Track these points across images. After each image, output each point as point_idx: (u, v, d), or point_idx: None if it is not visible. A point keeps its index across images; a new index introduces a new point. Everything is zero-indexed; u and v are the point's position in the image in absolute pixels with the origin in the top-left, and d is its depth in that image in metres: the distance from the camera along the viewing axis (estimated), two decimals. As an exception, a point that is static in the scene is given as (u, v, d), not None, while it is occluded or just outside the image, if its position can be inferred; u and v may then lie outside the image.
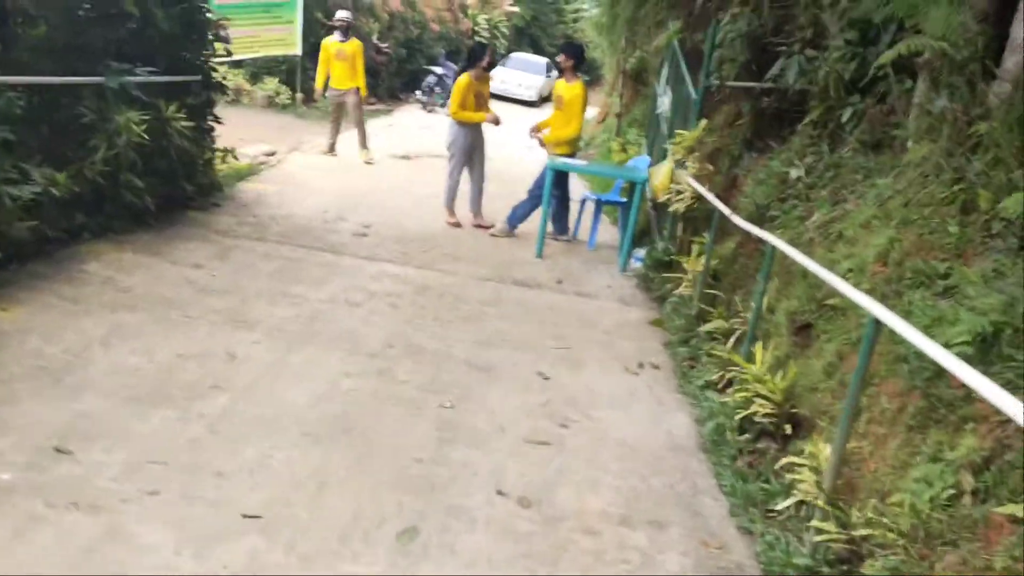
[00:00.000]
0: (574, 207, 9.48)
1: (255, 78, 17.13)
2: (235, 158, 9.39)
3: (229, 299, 5.75)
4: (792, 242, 5.44)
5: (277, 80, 17.22)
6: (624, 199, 9.31)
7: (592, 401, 5.07)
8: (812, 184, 5.91)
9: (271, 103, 17.03)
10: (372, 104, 21.41)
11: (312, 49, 18.44)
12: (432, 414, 4.56)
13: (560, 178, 8.81)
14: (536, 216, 8.55)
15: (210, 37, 8.33)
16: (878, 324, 3.29)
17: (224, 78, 16.07)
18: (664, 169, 8.15)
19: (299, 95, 17.60)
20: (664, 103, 9.86)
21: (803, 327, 4.65)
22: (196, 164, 8.04)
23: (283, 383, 4.64)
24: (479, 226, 9.31)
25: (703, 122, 7.30)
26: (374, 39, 21.88)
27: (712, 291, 6.27)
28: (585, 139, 18.21)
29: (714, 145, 7.75)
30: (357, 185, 10.56)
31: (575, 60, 8.72)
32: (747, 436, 4.44)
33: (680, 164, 7.52)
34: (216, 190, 8.70)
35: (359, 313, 5.91)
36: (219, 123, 8.70)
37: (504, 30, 32.62)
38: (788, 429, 4.33)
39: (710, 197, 6.21)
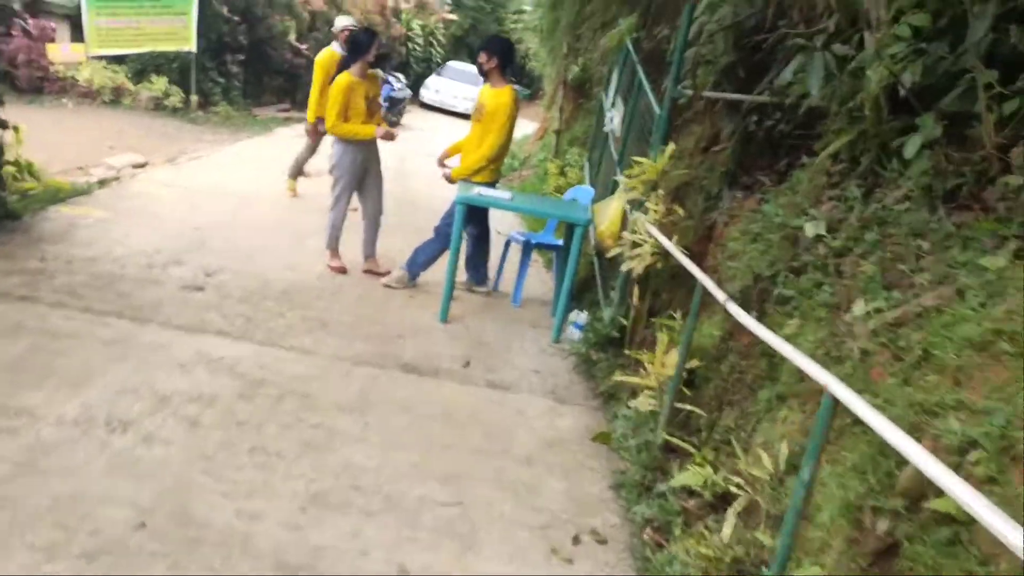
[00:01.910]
0: (497, 247, 7.34)
1: (140, 77, 14.67)
2: (33, 176, 7.03)
3: None
4: (826, 354, 3.34)
5: (167, 80, 14.77)
6: (560, 241, 7.20)
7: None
8: (842, 250, 3.84)
9: (159, 106, 14.63)
10: (286, 111, 19.11)
11: (212, 46, 16.17)
12: None
13: (479, 213, 6.66)
14: (445, 261, 6.38)
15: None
16: None
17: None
18: (613, 209, 6.04)
19: (194, 97, 15.21)
20: (614, 119, 7.77)
21: (884, 548, 2.51)
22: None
23: None
24: (370, 272, 7.11)
25: (670, 147, 5.20)
26: (291, 39, 19.56)
27: (687, 406, 4.14)
28: (520, 157, 16.11)
29: (682, 178, 5.67)
30: (223, 211, 8.26)
31: (500, 58, 6.58)
32: None
33: (637, 205, 5.42)
34: (8, 216, 6.40)
35: (121, 446, 3.62)
36: (5, 128, 6.36)
37: (441, 38, 30.52)
38: None
39: (689, 264, 4.09)
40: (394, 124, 20.82)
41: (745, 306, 4.12)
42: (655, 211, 5.09)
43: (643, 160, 5.29)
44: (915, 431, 2.63)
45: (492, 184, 6.74)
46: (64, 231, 6.50)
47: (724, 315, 4.29)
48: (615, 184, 6.67)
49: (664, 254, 4.97)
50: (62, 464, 3.38)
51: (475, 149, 6.67)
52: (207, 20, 15.44)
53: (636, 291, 5.30)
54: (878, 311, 3.27)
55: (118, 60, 14.53)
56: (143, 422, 3.82)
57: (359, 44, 6.67)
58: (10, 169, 6.74)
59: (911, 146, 3.42)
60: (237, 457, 3.69)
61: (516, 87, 6.68)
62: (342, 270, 6.99)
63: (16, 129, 7.55)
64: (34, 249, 5.93)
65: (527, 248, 7.17)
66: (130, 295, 5.40)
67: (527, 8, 29.22)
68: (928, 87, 3.59)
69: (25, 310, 4.84)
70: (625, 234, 5.41)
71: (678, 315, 4.64)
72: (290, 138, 15.36)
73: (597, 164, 8.64)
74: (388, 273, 7.00)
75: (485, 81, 6.74)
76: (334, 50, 8.94)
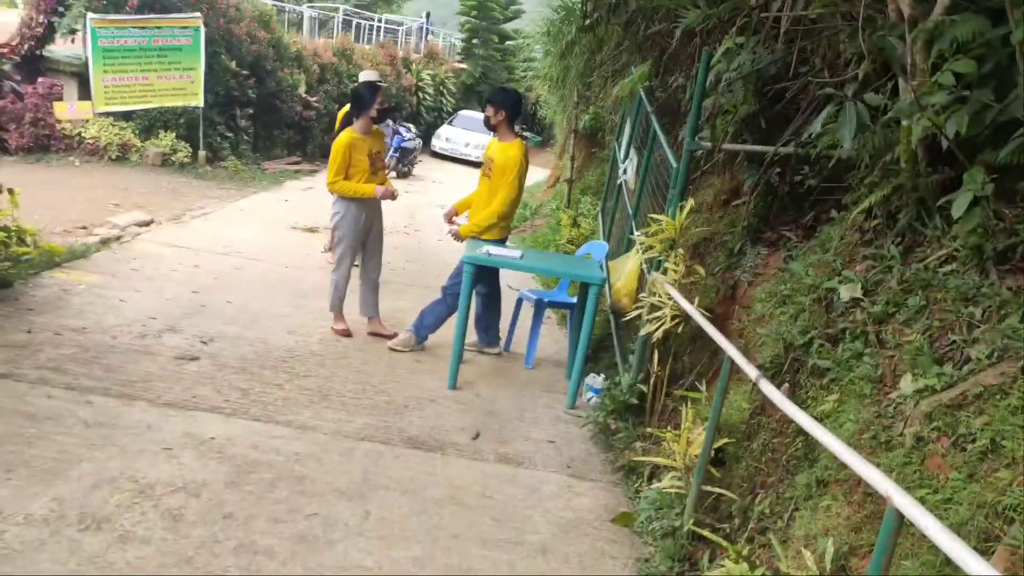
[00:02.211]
0: (508, 305, 7.02)
1: (147, 133, 14.54)
2: (22, 241, 6.77)
3: None
4: (873, 438, 2.99)
5: (174, 135, 14.64)
6: (573, 299, 6.88)
7: None
8: (883, 316, 3.50)
9: (166, 162, 14.47)
10: (297, 163, 18.99)
11: (220, 100, 16.06)
12: None
13: (489, 271, 6.35)
14: (454, 322, 6.06)
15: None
16: None
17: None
18: (630, 267, 5.72)
19: (202, 152, 15.08)
20: (627, 170, 7.49)
21: None
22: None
23: None
24: (376, 335, 6.81)
25: (688, 203, 4.89)
26: (301, 92, 19.51)
27: (717, 489, 3.78)
28: (531, 206, 15.87)
29: (701, 234, 5.36)
30: (225, 271, 8.00)
31: (508, 111, 6.32)
32: None
33: (655, 264, 5.11)
34: (1, 285, 6.14)
35: (92, 549, 3.28)
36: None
37: (451, 87, 30.54)
38: None
39: (715, 334, 3.74)
40: (405, 174, 20.67)
41: (776, 377, 3.79)
42: (674, 271, 4.76)
43: (660, 217, 4.97)
44: (987, 540, 2.27)
45: (502, 241, 6.45)
46: (56, 299, 6.23)
47: (754, 386, 3.94)
48: (631, 241, 6.37)
49: (685, 317, 4.64)
50: (24, 572, 3.05)
51: (484, 205, 6.39)
52: (215, 75, 15.37)
53: (656, 357, 4.96)
54: (931, 389, 2.91)
55: (125, 117, 14.43)
56: (120, 518, 3.49)
57: (361, 99, 6.42)
58: (0, 235, 6.49)
59: (960, 203, 3.09)
60: (220, 558, 3.34)
61: (527, 135, 6.43)
62: (346, 333, 6.69)
63: (11, 192, 7.34)
64: (22, 320, 5.65)
65: (539, 307, 6.85)
66: (119, 369, 5.09)
67: (537, 57, 29.23)
68: (971, 138, 3.28)
69: (3, 389, 4.54)
70: (643, 296, 5.09)
71: (703, 386, 4.29)
72: (299, 190, 15.22)
73: (611, 216, 8.35)
74: (395, 335, 6.69)
75: (493, 134, 6.49)
76: None
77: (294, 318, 6.86)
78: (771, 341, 3.98)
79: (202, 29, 14.44)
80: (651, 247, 4.99)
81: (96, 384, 4.81)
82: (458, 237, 6.53)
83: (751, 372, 3.19)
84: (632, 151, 7.49)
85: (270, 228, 10.85)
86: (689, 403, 4.17)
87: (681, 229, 4.86)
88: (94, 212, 11.48)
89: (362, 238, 6.60)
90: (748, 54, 4.72)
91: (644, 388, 5.15)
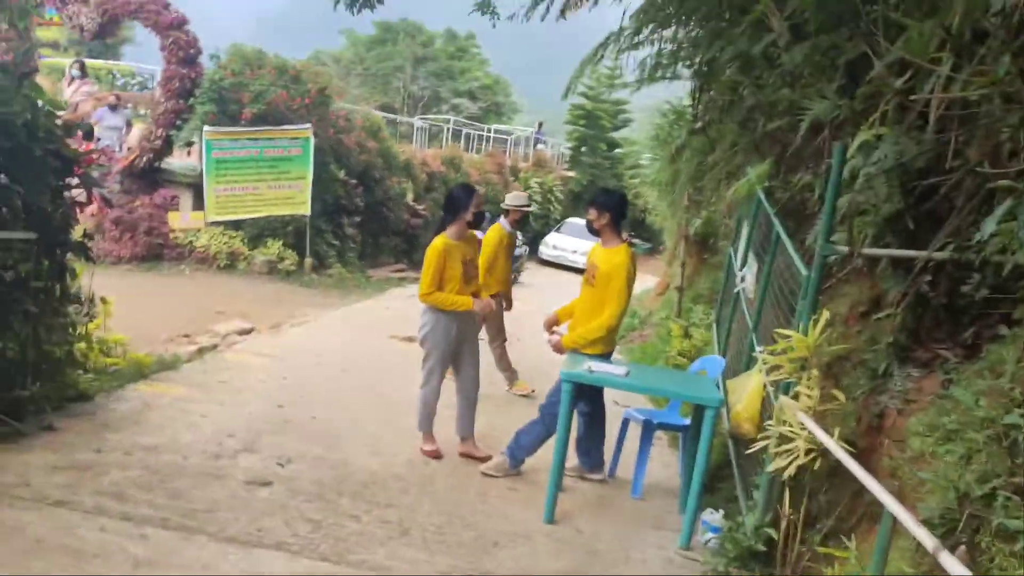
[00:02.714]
0: (613, 423, 6.36)
1: (255, 241, 14.68)
2: (103, 352, 6.56)
3: None
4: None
5: (281, 243, 14.74)
6: (686, 420, 6.18)
7: None
8: (1092, 464, 2.73)
9: (273, 269, 14.52)
10: (403, 271, 18.96)
11: (328, 208, 16.17)
12: None
13: (591, 388, 5.72)
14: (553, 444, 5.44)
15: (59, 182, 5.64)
16: None
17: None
18: (752, 388, 5.02)
19: (308, 260, 15.11)
20: (747, 279, 6.84)
21: None
22: (29, 363, 5.26)
23: None
24: (468, 456, 6.23)
25: (823, 316, 4.21)
26: (409, 200, 19.64)
27: None
28: (640, 315, 15.20)
29: (836, 352, 4.64)
30: (315, 382, 7.62)
31: (613, 214, 5.82)
32: None
33: (783, 387, 4.40)
34: (79, 398, 5.88)
35: None
36: (78, 302, 5.95)
37: (559, 195, 30.49)
38: None
39: (870, 482, 3.02)
40: (512, 281, 20.36)
41: (948, 537, 3.03)
42: (808, 397, 4.06)
43: (788, 333, 4.29)
44: None
45: (607, 356, 5.85)
46: (135, 413, 5.91)
47: (916, 542, 3.17)
48: (752, 357, 5.67)
49: (822, 451, 3.91)
50: None
51: (587, 316, 5.83)
52: (323, 183, 15.52)
53: (787, 496, 4.21)
54: None
55: (235, 225, 14.62)
56: None
57: (456, 201, 6.03)
58: (81, 347, 6.28)
59: None
60: None
61: (635, 242, 5.88)
62: (436, 455, 6.13)
63: (104, 301, 7.21)
64: (94, 437, 5.32)
65: (648, 428, 6.16)
66: (184, 495, 4.66)
67: (644, 162, 29.05)
68: None
69: (55, 519, 4.14)
70: (768, 423, 4.37)
71: (851, 540, 3.52)
72: (402, 298, 14.99)
73: (727, 328, 7.64)
74: (488, 458, 6.10)
75: (597, 239, 5.98)
76: (502, 227, 8.44)
77: (381, 436, 6.37)
78: (937, 488, 3.22)
79: (312, 139, 14.66)
80: (777, 367, 4.31)
81: (155, 514, 4.36)
82: (559, 349, 5.97)
83: (928, 541, 2.47)
84: (751, 257, 6.85)
85: (367, 337, 10.54)
86: (835, 565, 3.41)
87: (814, 347, 4.17)
88: (199, 320, 11.45)
89: (454, 351, 6.11)
90: (890, 145, 4.09)
91: (772, 533, 4.38)
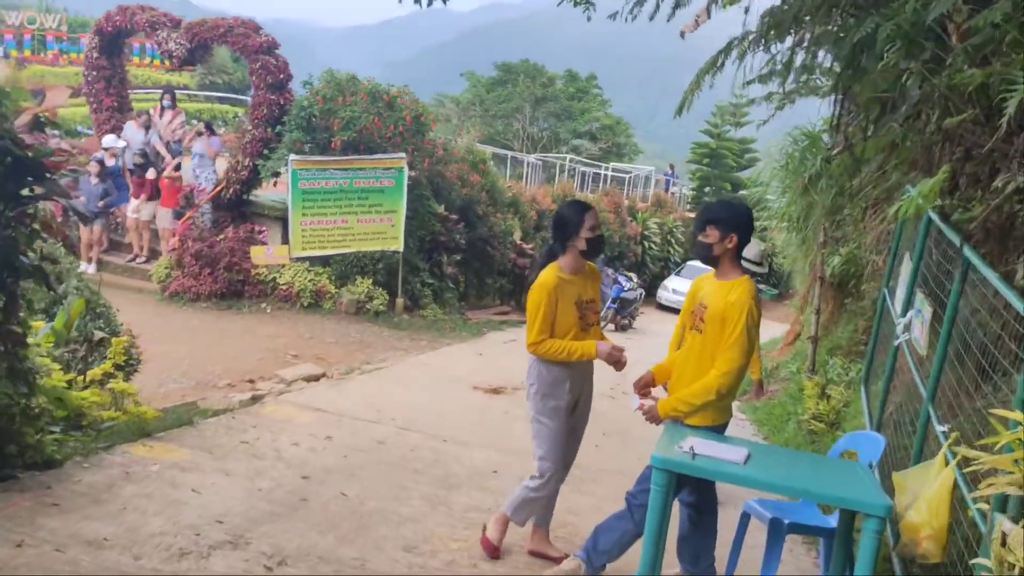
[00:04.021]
0: (728, 520, 4.75)
1: (343, 279, 13.62)
2: (100, 406, 5.37)
3: None
4: None
5: (371, 281, 13.63)
6: (831, 520, 4.51)
7: None
8: None
9: (360, 310, 13.41)
10: (506, 313, 17.66)
11: (425, 246, 15.02)
12: None
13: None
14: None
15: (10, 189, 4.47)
16: None
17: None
18: (936, 490, 3.36)
19: (399, 300, 13.95)
20: (913, 327, 5.11)
21: None
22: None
23: None
24: (538, 554, 4.73)
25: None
26: (516, 238, 18.39)
27: None
28: (766, 367, 13.32)
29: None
30: (360, 447, 6.27)
31: (740, 235, 4.28)
32: None
33: (1002, 502, 2.75)
34: (43, 465, 4.69)
35: None
36: (24, 346, 4.79)
37: (680, 236, 28.71)
38: None
39: None
40: (624, 327, 18.76)
41: None
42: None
43: (1010, 415, 2.66)
44: None
45: (719, 429, 4.28)
46: (102, 488, 4.65)
47: None
48: (925, 436, 3.99)
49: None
50: None
51: (693, 374, 4.27)
52: (419, 218, 14.42)
53: None
54: None
55: (323, 262, 13.63)
56: None
57: (564, 224, 4.54)
58: (81, 398, 5.11)
59: None
60: None
61: (761, 288, 4.30)
62: (495, 552, 4.65)
63: (115, 343, 6.12)
64: (27, 522, 4.08)
65: (777, 528, 4.51)
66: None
67: (771, 197, 26.94)
68: None
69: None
70: (980, 562, 2.72)
71: None
72: (500, 343, 13.65)
73: (882, 392, 5.84)
74: (561, 560, 4.58)
75: (710, 267, 4.42)
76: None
77: (424, 523, 4.93)
78: None
79: (405, 170, 13.58)
80: (992, 475, 2.67)
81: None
82: (654, 418, 4.42)
83: None
84: (918, 298, 5.11)
85: (446, 388, 9.19)
86: None
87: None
88: (269, 363, 10.44)
89: (567, 416, 4.63)
90: None
91: None
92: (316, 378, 9.75)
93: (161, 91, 15.50)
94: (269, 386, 9.29)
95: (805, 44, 8.05)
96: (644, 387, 4.57)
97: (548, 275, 4.50)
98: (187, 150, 14.59)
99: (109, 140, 14.50)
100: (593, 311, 4.60)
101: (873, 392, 6.65)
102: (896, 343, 5.34)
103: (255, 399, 7.90)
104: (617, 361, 4.50)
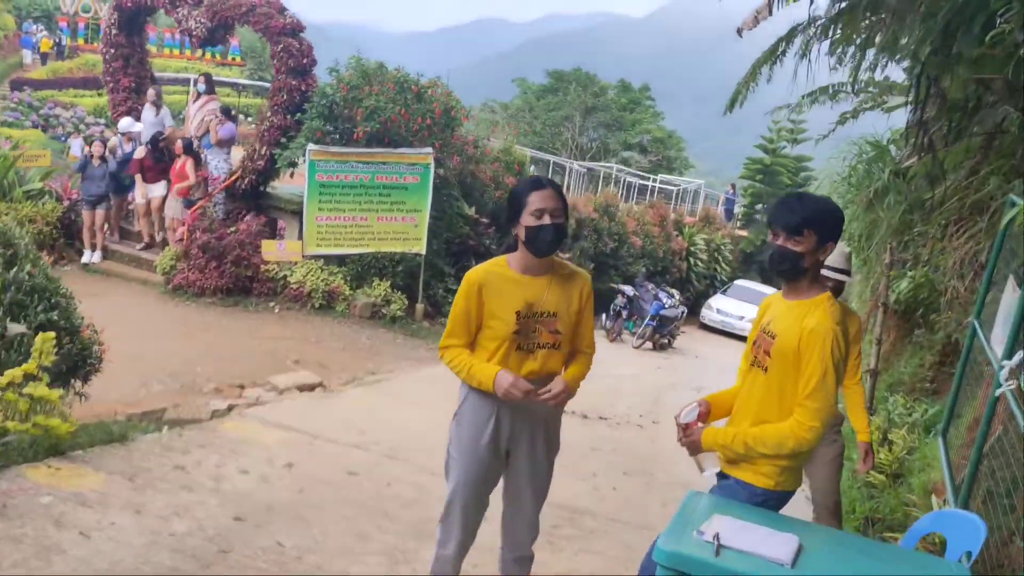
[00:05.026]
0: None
1: (359, 280, 12.64)
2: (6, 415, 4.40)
3: None
4: None
5: (388, 284, 12.63)
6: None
7: None
8: None
9: (375, 314, 12.41)
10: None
11: (452, 248, 13.99)
12: None
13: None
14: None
15: None
16: None
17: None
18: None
19: (419, 306, 12.93)
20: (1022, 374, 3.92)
21: None
22: None
23: None
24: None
25: None
26: (552, 248, 17.23)
27: None
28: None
29: None
30: (325, 479, 5.22)
31: (835, 242, 3.11)
32: None
33: None
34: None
35: None
36: None
37: (728, 254, 27.37)
38: None
39: None
40: (663, 347, 17.59)
41: None
42: None
43: None
44: None
45: (782, 498, 3.15)
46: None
47: None
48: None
49: None
50: None
51: (752, 414, 3.18)
52: (446, 219, 13.41)
53: None
54: None
55: (339, 261, 12.66)
56: None
57: (509, 203, 3.43)
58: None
59: None
60: None
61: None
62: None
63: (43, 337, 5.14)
64: None
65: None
66: None
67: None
68: None
69: None
70: None
71: None
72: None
73: (976, 453, 4.58)
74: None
75: (788, 281, 3.23)
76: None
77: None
78: None
79: (432, 167, 12.57)
80: None
81: None
82: (693, 446, 3.27)
83: None
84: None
85: (450, 407, 8.12)
86: None
87: None
88: (266, 368, 9.52)
89: (489, 461, 3.54)
90: None
91: None
92: (311, 387, 8.82)
93: (198, 77, 14.60)
94: (257, 393, 8.40)
95: (883, 30, 6.92)
96: (690, 422, 3.35)
97: (482, 267, 3.45)
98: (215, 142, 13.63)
99: (125, 124, 13.70)
100: (551, 330, 3.39)
101: (954, 445, 5.43)
102: (997, 392, 4.15)
103: (231, 409, 6.97)
104: (516, 395, 3.27)
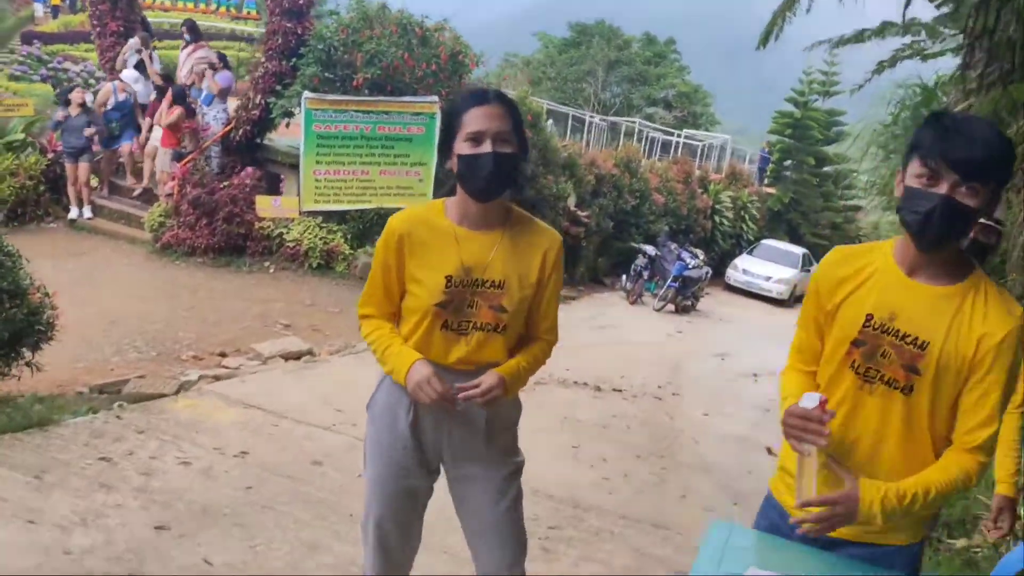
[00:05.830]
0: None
1: (360, 238, 11.83)
2: None
3: None
4: None
5: (392, 243, 11.76)
6: None
7: None
8: None
9: (378, 274, 11.54)
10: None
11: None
12: None
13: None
14: None
15: None
16: None
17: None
18: None
19: (425, 265, 12.05)
20: None
21: None
22: None
23: None
24: None
25: None
26: (570, 204, 16.41)
27: None
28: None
29: None
30: (282, 470, 4.46)
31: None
32: None
33: None
34: None
35: None
36: None
37: (755, 212, 26.28)
38: None
39: None
40: (686, 309, 16.74)
41: None
42: None
43: None
44: None
45: (913, 555, 2.27)
46: None
47: None
48: None
49: None
50: None
51: (891, 455, 2.15)
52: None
53: None
54: None
55: (339, 218, 11.85)
56: None
57: (443, 125, 2.56)
58: None
59: None
60: None
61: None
62: None
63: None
64: None
65: None
66: None
67: (861, 179, 24.35)
68: None
69: None
70: None
71: None
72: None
73: None
74: None
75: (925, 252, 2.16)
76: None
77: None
78: None
79: (438, 117, 11.66)
80: None
81: None
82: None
83: None
84: None
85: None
86: None
87: None
88: (253, 333, 8.84)
89: (410, 470, 2.67)
90: None
91: None
92: (298, 355, 8.11)
93: (182, 23, 13.75)
94: (239, 362, 7.72)
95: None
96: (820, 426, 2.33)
97: (408, 211, 2.58)
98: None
99: (130, 76, 12.93)
100: (493, 306, 2.48)
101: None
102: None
103: (200, 380, 6.24)
104: (444, 400, 2.39)
